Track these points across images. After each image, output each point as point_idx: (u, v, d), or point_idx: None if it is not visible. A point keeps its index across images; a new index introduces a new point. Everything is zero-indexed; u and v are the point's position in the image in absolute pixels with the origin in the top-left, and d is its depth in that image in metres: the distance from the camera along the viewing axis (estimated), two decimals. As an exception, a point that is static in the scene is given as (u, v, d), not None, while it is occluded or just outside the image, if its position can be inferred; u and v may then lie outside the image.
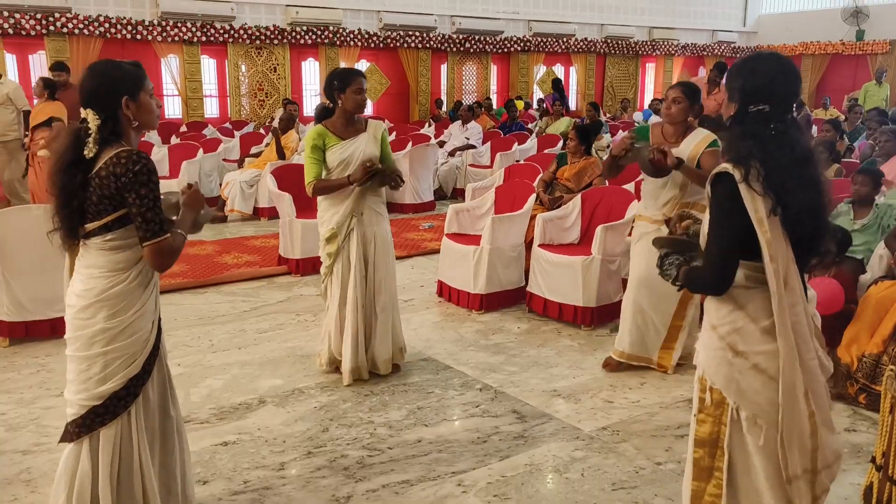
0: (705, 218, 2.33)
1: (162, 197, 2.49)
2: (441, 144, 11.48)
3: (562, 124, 12.17)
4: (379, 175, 4.21)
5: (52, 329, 5.07)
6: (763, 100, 2.21)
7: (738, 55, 20.20)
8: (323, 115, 4.38)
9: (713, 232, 2.24)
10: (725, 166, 2.19)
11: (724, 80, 9.81)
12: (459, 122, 11.81)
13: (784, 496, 2.23)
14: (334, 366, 4.52)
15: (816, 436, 2.19)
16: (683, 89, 4.28)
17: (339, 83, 4.21)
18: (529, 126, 13.42)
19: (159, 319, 2.66)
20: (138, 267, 2.49)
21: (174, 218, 2.62)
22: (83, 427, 2.50)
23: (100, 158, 2.40)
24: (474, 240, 5.95)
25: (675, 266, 2.44)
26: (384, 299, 4.39)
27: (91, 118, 2.41)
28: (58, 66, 8.66)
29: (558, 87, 15.24)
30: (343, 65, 14.70)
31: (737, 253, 2.20)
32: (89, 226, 2.44)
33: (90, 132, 2.40)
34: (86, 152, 2.39)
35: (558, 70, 18.20)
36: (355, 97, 4.20)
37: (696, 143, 4.23)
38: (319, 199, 4.36)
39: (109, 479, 2.51)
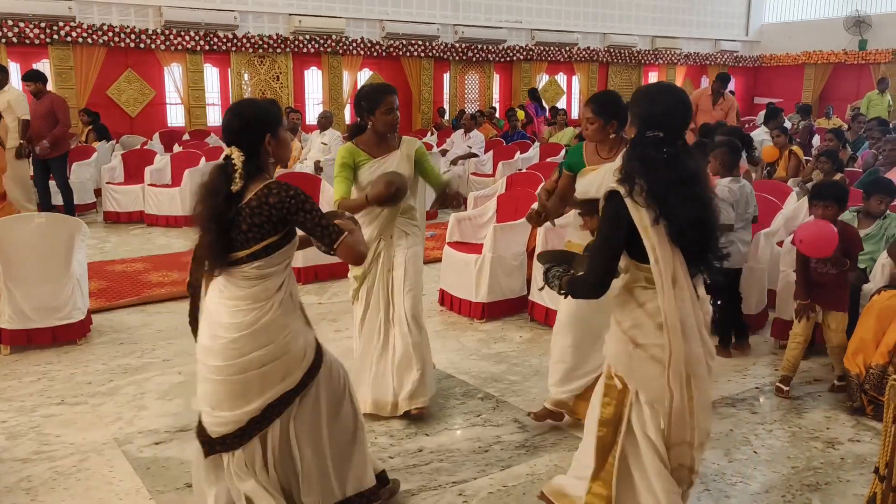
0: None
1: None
2: (443, 153, 11.49)
3: (565, 135, 12.19)
4: (400, 194, 3.69)
5: (54, 337, 5.08)
6: (659, 127, 2.50)
7: (740, 64, 20.25)
8: (355, 131, 4.10)
9: (599, 244, 2.58)
10: (614, 185, 2.50)
11: (726, 90, 9.75)
12: (462, 130, 11.81)
13: (667, 471, 2.58)
14: (384, 410, 4.06)
15: (694, 416, 2.51)
16: (595, 108, 3.71)
17: (368, 104, 3.93)
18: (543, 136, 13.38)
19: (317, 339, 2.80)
20: (279, 294, 2.63)
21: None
22: (244, 436, 2.65)
23: (248, 190, 2.55)
24: (476, 248, 5.95)
25: (558, 277, 2.73)
26: (412, 326, 4.02)
27: (236, 155, 2.56)
28: (30, 76, 8.61)
29: (535, 97, 15.31)
30: (346, 74, 14.76)
31: (615, 262, 2.54)
32: (237, 254, 2.57)
33: (236, 168, 2.55)
34: (233, 187, 2.54)
35: (560, 79, 18.24)
36: (385, 118, 3.91)
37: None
38: None
39: (261, 481, 2.66)
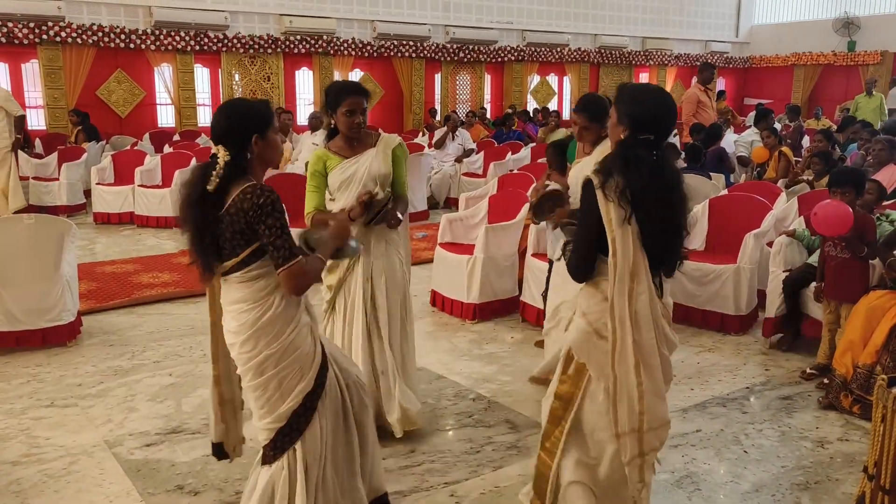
0: None
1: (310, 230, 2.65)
2: (439, 145, 11.49)
3: (557, 136, 12.21)
4: (381, 206, 3.65)
5: (44, 339, 5.06)
6: (649, 130, 2.56)
7: (730, 66, 20.33)
8: (331, 133, 3.83)
9: (578, 230, 2.70)
10: (590, 175, 2.56)
11: (694, 80, 9.78)
12: (445, 129, 11.79)
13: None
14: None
15: (643, 401, 2.57)
16: (590, 116, 3.95)
17: (331, 100, 3.67)
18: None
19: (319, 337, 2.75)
20: (280, 290, 2.57)
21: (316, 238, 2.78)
22: (277, 449, 2.63)
23: (229, 195, 2.49)
24: (468, 249, 5.96)
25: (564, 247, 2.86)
26: (388, 356, 3.80)
27: (221, 154, 2.51)
28: None
29: (529, 118, 15.28)
30: (337, 74, 14.74)
31: (593, 249, 2.59)
32: (227, 263, 2.54)
33: (218, 167, 2.49)
34: (209, 186, 2.48)
35: (552, 80, 18.26)
36: (344, 119, 3.63)
37: (602, 150, 3.76)
38: None
39: (306, 493, 2.62)
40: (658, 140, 2.58)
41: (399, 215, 3.72)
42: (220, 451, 2.99)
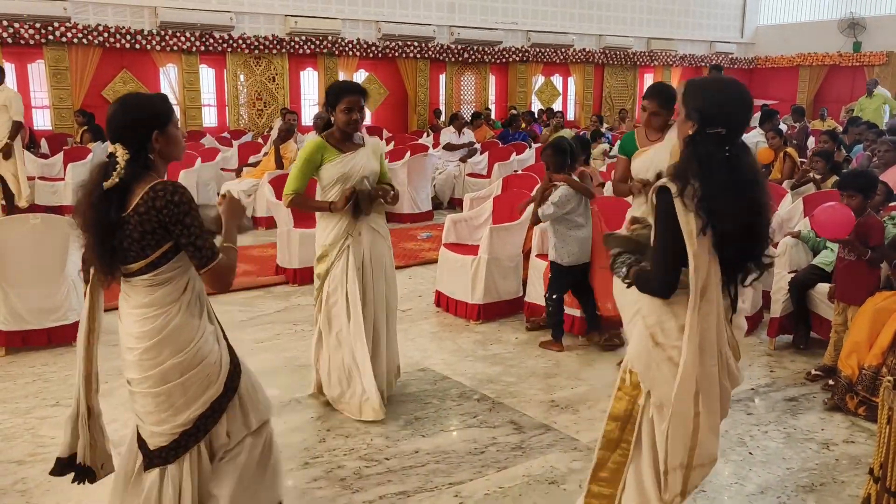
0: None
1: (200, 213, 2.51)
2: (448, 147, 11.48)
3: (564, 135, 12.21)
4: (365, 200, 3.94)
5: (49, 338, 5.07)
6: (721, 124, 2.33)
7: (735, 66, 20.29)
8: (324, 126, 4.12)
9: (657, 241, 2.43)
10: (665, 181, 2.36)
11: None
12: (451, 128, 11.81)
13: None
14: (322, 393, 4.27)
15: (697, 434, 2.38)
16: (660, 101, 4.33)
17: (332, 98, 3.97)
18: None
19: (227, 339, 2.68)
20: (186, 295, 2.49)
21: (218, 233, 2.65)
22: (179, 449, 2.54)
23: (134, 194, 2.37)
24: (472, 250, 5.96)
25: (626, 265, 2.59)
26: (378, 331, 4.09)
27: (120, 152, 2.40)
28: None
29: (535, 119, 15.28)
30: (342, 75, 14.75)
31: (678, 260, 2.36)
32: (134, 266, 2.43)
33: (118, 166, 2.38)
34: (105, 184, 2.36)
35: (556, 80, 18.24)
36: (342, 116, 3.93)
37: (671, 137, 4.07)
38: (318, 214, 4.10)
39: (192, 499, 2.55)
40: (730, 135, 2.36)
41: (391, 190, 4.06)
42: (83, 472, 2.82)
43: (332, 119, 4.01)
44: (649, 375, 2.46)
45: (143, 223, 2.35)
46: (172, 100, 13.62)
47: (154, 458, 2.56)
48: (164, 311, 2.46)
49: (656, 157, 4.31)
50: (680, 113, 2.47)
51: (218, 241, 2.56)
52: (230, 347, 2.67)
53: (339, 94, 3.94)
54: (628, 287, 2.62)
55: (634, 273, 2.54)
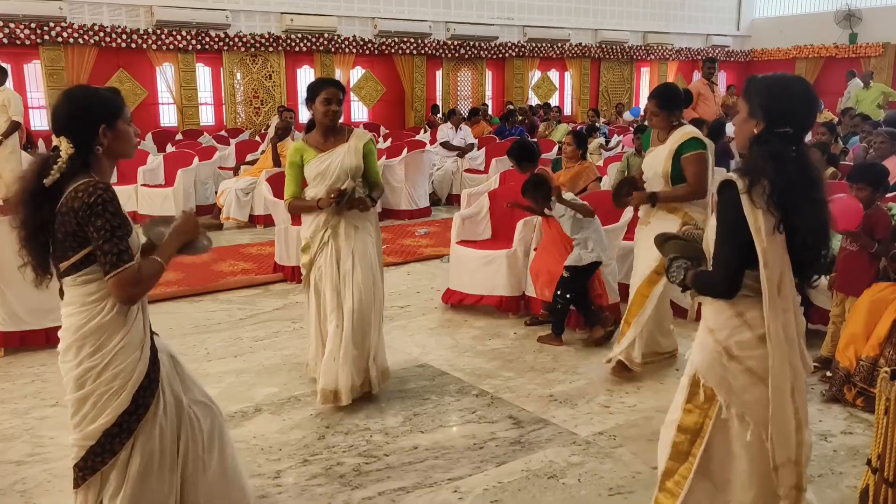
0: (710, 224, 2.47)
1: (155, 221, 2.49)
2: (445, 146, 11.48)
3: (558, 131, 12.23)
4: (348, 198, 3.98)
5: (48, 339, 5.05)
6: (788, 123, 2.31)
7: (732, 59, 20.29)
8: (309, 127, 4.22)
9: (720, 238, 2.38)
10: (731, 175, 2.33)
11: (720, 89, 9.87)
12: (449, 124, 11.81)
13: (767, 484, 2.43)
14: (328, 399, 4.16)
15: (801, 431, 2.38)
16: (659, 102, 4.34)
17: (310, 93, 4.07)
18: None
19: (155, 350, 2.55)
20: (111, 299, 2.37)
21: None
22: (87, 469, 2.45)
23: (64, 192, 2.28)
24: (486, 245, 5.99)
25: (682, 269, 2.54)
26: (355, 319, 4.06)
27: (64, 146, 2.30)
28: None
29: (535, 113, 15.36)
30: (338, 72, 14.75)
31: (743, 258, 2.32)
32: (62, 265, 2.35)
33: (59, 161, 2.28)
34: (46, 181, 2.27)
35: (553, 75, 18.24)
36: (320, 108, 4.01)
37: (674, 139, 4.32)
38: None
39: None
40: (798, 134, 2.34)
41: (368, 200, 4.09)
42: None
43: (313, 115, 4.14)
44: (726, 388, 2.41)
45: (64, 224, 2.28)
46: (169, 99, 13.69)
47: (76, 475, 2.49)
48: (84, 310, 2.37)
49: (654, 159, 4.38)
50: (741, 110, 2.43)
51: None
52: (156, 364, 2.53)
53: (317, 88, 4.05)
54: (683, 292, 2.61)
55: (693, 276, 2.49)
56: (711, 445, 2.46)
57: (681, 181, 4.28)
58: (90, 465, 2.44)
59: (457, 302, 5.97)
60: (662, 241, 2.73)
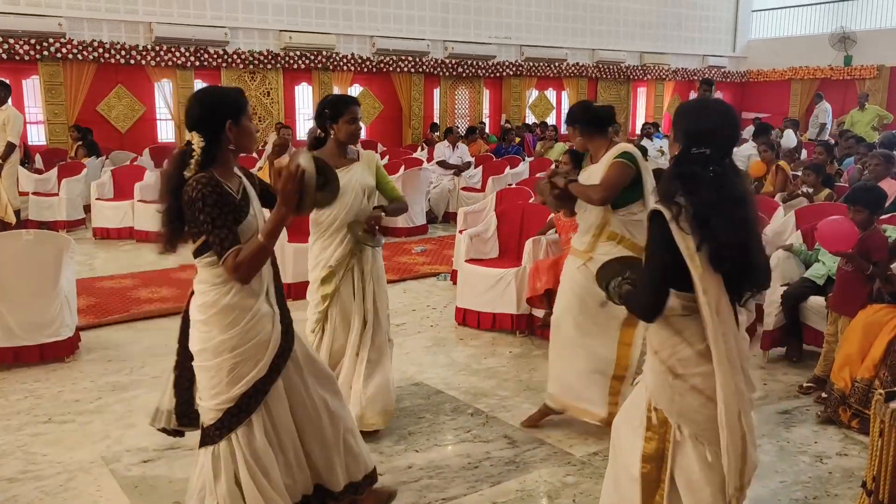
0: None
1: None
2: (441, 164, 11.50)
3: (555, 150, 12.28)
4: (355, 229, 3.86)
5: (42, 355, 5.06)
6: (705, 144, 2.38)
7: (728, 80, 20.42)
8: (315, 145, 4.03)
9: (647, 264, 2.46)
10: (658, 206, 2.38)
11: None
12: (446, 142, 11.85)
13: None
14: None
15: (746, 454, 2.39)
16: (568, 122, 4.12)
17: (331, 112, 3.91)
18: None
19: (289, 323, 2.80)
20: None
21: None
22: (222, 429, 2.66)
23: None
24: (494, 263, 6.05)
25: (618, 286, 2.66)
26: (380, 340, 4.01)
27: (196, 140, 2.54)
28: None
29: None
30: (336, 89, 14.79)
31: (667, 284, 2.39)
32: (192, 247, 2.61)
33: (194, 154, 2.54)
34: (186, 172, 2.53)
35: (550, 94, 18.33)
36: (348, 127, 3.89)
37: (609, 156, 3.93)
38: (312, 237, 4.00)
39: (250, 475, 2.66)
40: (716, 154, 2.39)
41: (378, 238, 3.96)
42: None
43: (333, 132, 3.92)
44: (676, 409, 2.43)
45: (186, 213, 2.54)
46: (167, 115, 13.73)
47: (205, 435, 2.70)
48: (215, 289, 2.61)
49: (588, 180, 4.01)
50: (671, 136, 2.54)
51: None
52: (290, 334, 2.79)
53: (341, 106, 3.92)
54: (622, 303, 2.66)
55: (626, 294, 2.59)
56: (675, 470, 2.46)
57: (618, 200, 3.89)
58: (226, 426, 2.66)
59: (471, 320, 5.99)
60: (603, 269, 2.81)
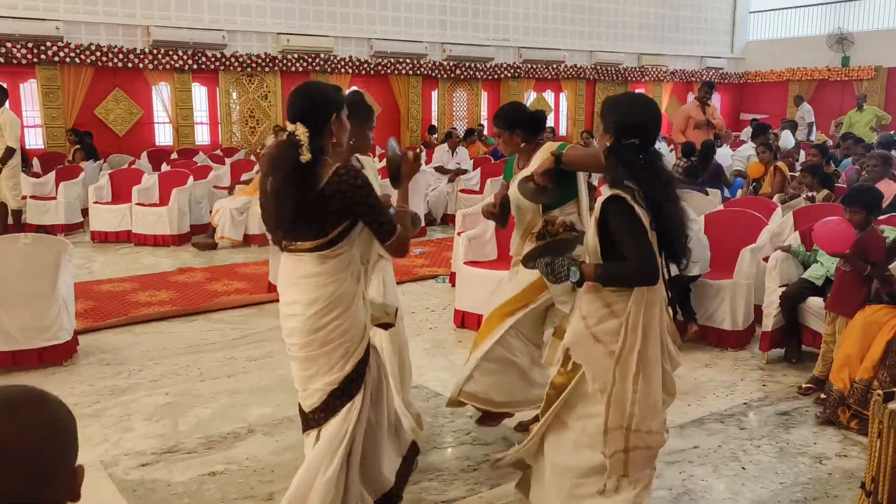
0: (591, 228, 2.72)
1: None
2: (439, 170, 11.52)
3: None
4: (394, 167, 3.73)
5: (40, 358, 5.04)
6: (634, 134, 2.64)
7: (726, 81, 20.44)
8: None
9: (634, 237, 2.60)
10: (615, 191, 2.61)
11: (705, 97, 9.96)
12: (446, 146, 11.86)
13: (588, 455, 2.77)
14: None
15: (635, 405, 2.65)
16: (497, 122, 3.89)
17: (364, 114, 3.68)
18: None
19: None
20: (351, 266, 2.76)
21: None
22: (328, 410, 2.77)
23: (321, 176, 2.59)
24: (493, 265, 6.03)
25: (569, 264, 2.71)
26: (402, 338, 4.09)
27: (301, 130, 2.60)
28: None
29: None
30: (334, 92, 14.77)
31: (653, 248, 2.62)
32: (316, 242, 2.66)
33: (302, 141, 2.59)
34: (303, 158, 2.57)
35: (548, 96, 18.35)
36: (370, 134, 3.72)
37: (542, 156, 3.70)
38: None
39: (344, 458, 2.76)
40: (644, 143, 2.66)
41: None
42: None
43: (356, 134, 3.49)
44: (591, 367, 2.70)
45: (328, 204, 2.60)
46: (165, 118, 13.74)
47: (310, 420, 2.81)
48: (335, 280, 2.71)
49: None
50: (599, 129, 2.79)
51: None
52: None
53: (371, 113, 3.70)
54: (579, 285, 2.73)
55: (602, 269, 2.65)
56: (570, 401, 2.80)
57: (553, 203, 3.70)
58: (331, 407, 2.77)
59: (470, 322, 5.93)
60: (529, 257, 2.93)
